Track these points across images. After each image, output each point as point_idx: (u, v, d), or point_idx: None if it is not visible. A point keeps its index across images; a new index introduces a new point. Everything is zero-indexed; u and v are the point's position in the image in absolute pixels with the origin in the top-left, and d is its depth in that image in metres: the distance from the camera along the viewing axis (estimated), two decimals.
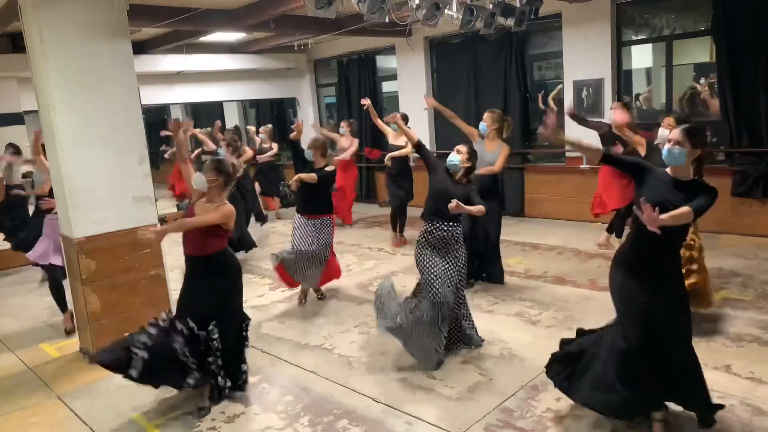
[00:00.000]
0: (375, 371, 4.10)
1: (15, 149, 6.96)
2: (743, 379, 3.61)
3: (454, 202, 3.69)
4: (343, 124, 8.61)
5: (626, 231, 6.01)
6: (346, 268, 6.76)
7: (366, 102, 6.79)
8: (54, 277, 5.27)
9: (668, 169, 2.95)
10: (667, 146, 2.92)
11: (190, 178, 3.80)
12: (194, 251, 3.69)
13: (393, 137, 7.61)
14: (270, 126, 9.78)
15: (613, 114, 5.68)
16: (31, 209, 6.87)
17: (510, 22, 5.79)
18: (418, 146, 4.29)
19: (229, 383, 3.78)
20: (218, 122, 9.48)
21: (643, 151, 5.22)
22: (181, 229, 3.70)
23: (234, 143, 7.38)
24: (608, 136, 5.63)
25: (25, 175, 9.11)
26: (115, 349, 3.60)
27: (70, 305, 5.06)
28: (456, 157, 4.09)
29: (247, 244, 7.20)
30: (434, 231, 4.03)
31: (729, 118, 6.59)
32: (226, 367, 3.75)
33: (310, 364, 4.29)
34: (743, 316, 4.51)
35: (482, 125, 5.54)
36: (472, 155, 4.16)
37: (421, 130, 9.45)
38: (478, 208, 3.89)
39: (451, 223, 4.02)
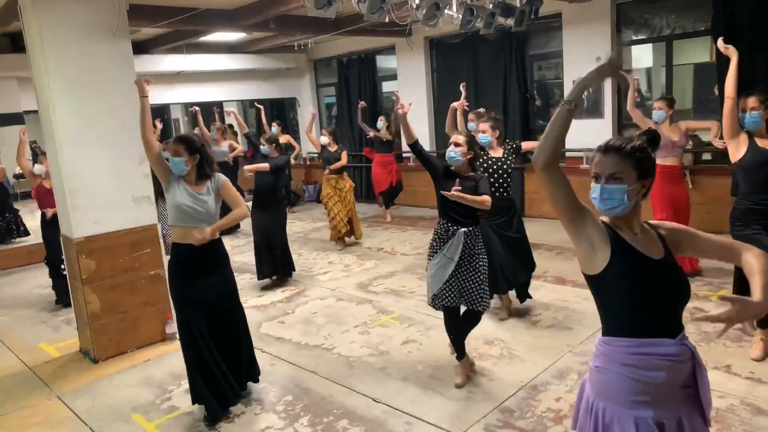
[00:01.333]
0: (375, 371, 4.10)
1: None
2: (743, 378, 3.61)
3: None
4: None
5: None
6: (345, 267, 6.77)
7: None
8: None
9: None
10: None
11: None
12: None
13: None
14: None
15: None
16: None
17: (510, 22, 5.79)
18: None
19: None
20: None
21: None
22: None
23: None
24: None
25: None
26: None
27: None
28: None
29: None
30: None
31: None
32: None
33: (310, 364, 4.29)
34: None
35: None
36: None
37: (421, 129, 9.47)
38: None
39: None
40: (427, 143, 9.70)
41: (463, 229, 3.64)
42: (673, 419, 1.79)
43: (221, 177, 3.60)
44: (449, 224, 3.68)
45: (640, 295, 1.79)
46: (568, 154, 8.14)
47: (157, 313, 4.87)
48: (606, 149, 1.85)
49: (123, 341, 4.71)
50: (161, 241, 4.91)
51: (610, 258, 1.80)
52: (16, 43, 7.78)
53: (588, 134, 7.67)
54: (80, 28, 4.36)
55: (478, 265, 3.70)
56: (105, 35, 4.46)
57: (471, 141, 3.74)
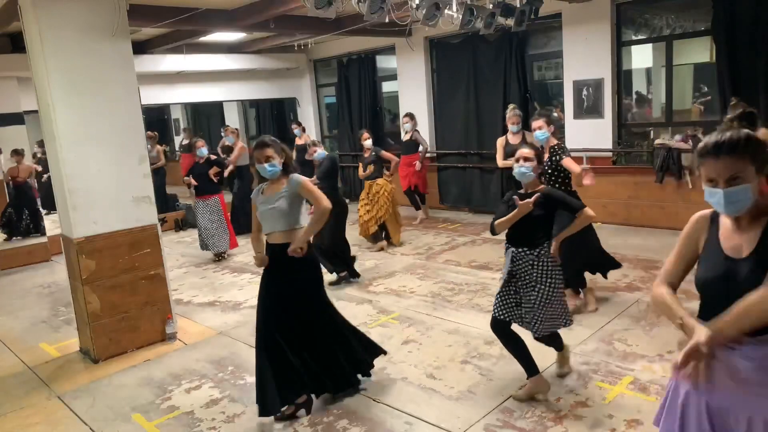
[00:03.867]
0: (375, 371, 4.09)
1: None
2: None
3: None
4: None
5: None
6: None
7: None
8: None
9: None
10: None
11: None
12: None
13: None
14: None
15: None
16: None
17: (510, 22, 5.80)
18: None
19: None
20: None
21: None
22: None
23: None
24: None
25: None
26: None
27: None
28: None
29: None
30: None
31: None
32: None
33: None
34: None
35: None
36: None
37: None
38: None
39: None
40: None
41: (511, 249, 3.48)
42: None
43: (298, 178, 3.53)
44: (507, 243, 3.56)
45: (705, 290, 1.87)
46: None
47: (157, 313, 4.87)
48: (718, 151, 1.75)
49: (123, 341, 4.71)
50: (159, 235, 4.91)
51: (701, 252, 1.91)
52: (16, 43, 7.77)
53: (588, 134, 7.70)
54: (80, 28, 4.36)
55: (534, 292, 3.42)
56: (105, 35, 4.46)
57: (539, 155, 3.50)
